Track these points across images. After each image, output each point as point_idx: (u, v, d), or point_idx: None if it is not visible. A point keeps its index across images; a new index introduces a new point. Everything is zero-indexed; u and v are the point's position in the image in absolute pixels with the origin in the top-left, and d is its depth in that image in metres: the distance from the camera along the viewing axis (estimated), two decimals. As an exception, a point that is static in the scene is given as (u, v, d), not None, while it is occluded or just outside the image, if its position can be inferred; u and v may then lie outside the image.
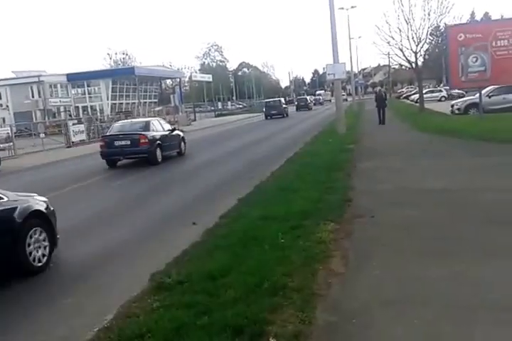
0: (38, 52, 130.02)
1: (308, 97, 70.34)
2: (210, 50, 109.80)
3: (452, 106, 30.02)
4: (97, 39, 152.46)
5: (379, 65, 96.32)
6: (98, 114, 50.67)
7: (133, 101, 59.55)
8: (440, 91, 52.39)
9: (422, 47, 31.50)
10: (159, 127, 17.84)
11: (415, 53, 30.86)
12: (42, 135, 28.34)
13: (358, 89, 76.74)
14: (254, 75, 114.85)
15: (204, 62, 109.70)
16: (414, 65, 31.84)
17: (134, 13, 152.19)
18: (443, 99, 48.34)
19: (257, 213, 7.63)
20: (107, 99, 56.01)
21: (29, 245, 6.09)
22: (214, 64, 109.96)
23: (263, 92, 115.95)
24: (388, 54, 34.37)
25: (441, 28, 38.43)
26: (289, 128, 30.91)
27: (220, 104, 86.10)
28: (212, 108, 76.09)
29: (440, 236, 6.13)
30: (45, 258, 6.36)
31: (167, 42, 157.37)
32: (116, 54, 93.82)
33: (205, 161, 17.02)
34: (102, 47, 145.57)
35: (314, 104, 67.99)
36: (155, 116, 48.01)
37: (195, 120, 54.99)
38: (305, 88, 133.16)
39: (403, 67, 43.25)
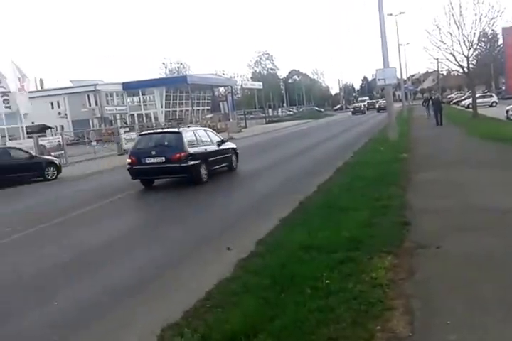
0: (95, 62, 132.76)
1: (362, 104, 74.75)
2: (261, 58, 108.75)
3: (507, 111, 27.70)
4: (154, 49, 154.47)
5: (427, 71, 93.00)
6: (153, 121, 50.34)
7: (186, 108, 59.12)
8: (491, 96, 49.82)
9: (473, 52, 29.43)
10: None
11: (467, 58, 28.78)
12: (94, 143, 27.80)
13: (408, 95, 74.06)
14: (304, 82, 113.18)
15: (255, 70, 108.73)
16: (466, 69, 29.68)
17: (189, 23, 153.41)
18: (494, 104, 45.84)
19: (298, 239, 6.25)
20: (161, 107, 55.59)
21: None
22: (265, 72, 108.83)
23: (313, 99, 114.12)
24: (437, 59, 32.37)
25: (489, 34, 36.00)
26: (339, 135, 29.31)
27: (270, 110, 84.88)
28: (263, 115, 74.93)
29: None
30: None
31: (221, 51, 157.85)
32: (171, 63, 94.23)
33: (251, 171, 15.69)
34: (158, 57, 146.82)
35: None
36: (207, 123, 47.72)
37: (245, 127, 53.88)
38: (354, 94, 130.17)
39: (452, 72, 40.94)
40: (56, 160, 19.70)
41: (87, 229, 9.28)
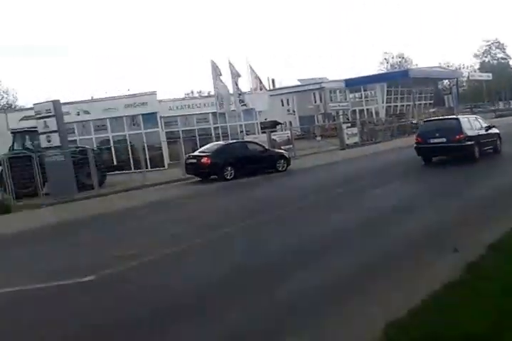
0: (320, 60, 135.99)
1: None
2: (490, 47, 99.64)
3: None
4: (375, 44, 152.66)
5: None
6: (374, 116, 50.11)
7: (407, 103, 57.40)
8: None
9: None
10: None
11: None
12: (318, 138, 28.82)
13: None
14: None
15: (484, 61, 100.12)
16: None
17: (411, 16, 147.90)
18: None
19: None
20: (382, 102, 54.93)
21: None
22: (495, 62, 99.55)
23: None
24: None
25: None
26: None
27: (501, 103, 77.40)
28: (492, 108, 68.71)
29: None
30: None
31: (445, 43, 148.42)
32: (392, 58, 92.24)
33: (490, 164, 15.46)
34: (379, 52, 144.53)
35: None
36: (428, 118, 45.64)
37: (472, 121, 50.00)
38: None
39: None
40: (286, 154, 20.96)
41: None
